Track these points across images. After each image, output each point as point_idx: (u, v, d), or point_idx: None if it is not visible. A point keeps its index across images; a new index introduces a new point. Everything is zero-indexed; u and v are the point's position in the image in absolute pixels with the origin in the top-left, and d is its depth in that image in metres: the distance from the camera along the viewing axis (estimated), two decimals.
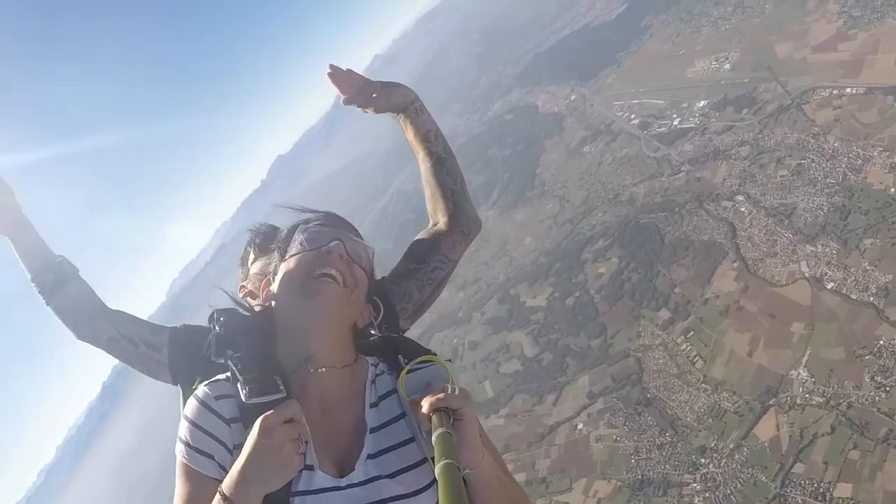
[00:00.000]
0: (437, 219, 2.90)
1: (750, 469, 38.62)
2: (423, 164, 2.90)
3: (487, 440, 2.12)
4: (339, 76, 2.79)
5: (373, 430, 2.05)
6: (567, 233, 72.75)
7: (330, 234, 2.22)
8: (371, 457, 2.00)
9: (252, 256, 3.10)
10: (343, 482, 1.93)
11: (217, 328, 2.23)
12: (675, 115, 70.19)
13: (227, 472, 1.84)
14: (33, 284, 2.75)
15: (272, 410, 1.79)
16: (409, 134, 2.92)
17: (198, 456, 1.92)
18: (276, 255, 2.31)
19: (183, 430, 1.95)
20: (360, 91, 2.80)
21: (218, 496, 1.79)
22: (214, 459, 1.92)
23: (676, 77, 74.79)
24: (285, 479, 1.80)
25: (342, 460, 1.99)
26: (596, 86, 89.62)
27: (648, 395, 48.31)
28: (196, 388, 2.06)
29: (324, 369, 2.06)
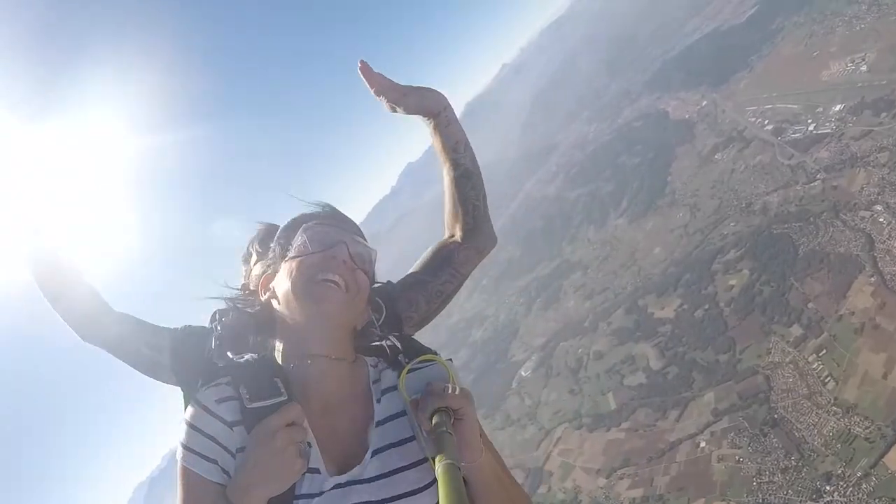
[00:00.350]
0: (454, 231, 2.83)
1: (877, 500, 36.58)
2: (448, 175, 2.83)
3: (486, 439, 2.09)
4: (370, 71, 2.73)
5: (378, 424, 2.05)
6: (697, 243, 71.13)
7: (334, 235, 2.18)
8: (375, 453, 1.99)
9: (255, 257, 3.04)
10: (344, 479, 1.93)
11: (219, 328, 2.25)
12: (809, 120, 67.29)
13: (230, 476, 1.87)
14: (40, 289, 2.71)
15: (274, 414, 1.83)
16: (438, 142, 2.82)
17: (201, 460, 1.90)
18: (276, 249, 2.27)
19: (184, 434, 1.94)
20: (391, 87, 2.72)
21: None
22: (217, 464, 1.90)
23: (811, 80, 71.58)
24: (289, 482, 1.82)
25: (344, 460, 1.98)
26: (727, 91, 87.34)
27: (775, 416, 46.52)
28: (197, 392, 2.07)
29: (324, 371, 2.06)
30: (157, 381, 2.65)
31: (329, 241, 2.15)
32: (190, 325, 2.63)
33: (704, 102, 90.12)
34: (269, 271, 2.25)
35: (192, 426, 1.93)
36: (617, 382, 63.29)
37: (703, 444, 49.60)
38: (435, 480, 1.82)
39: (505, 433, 65.26)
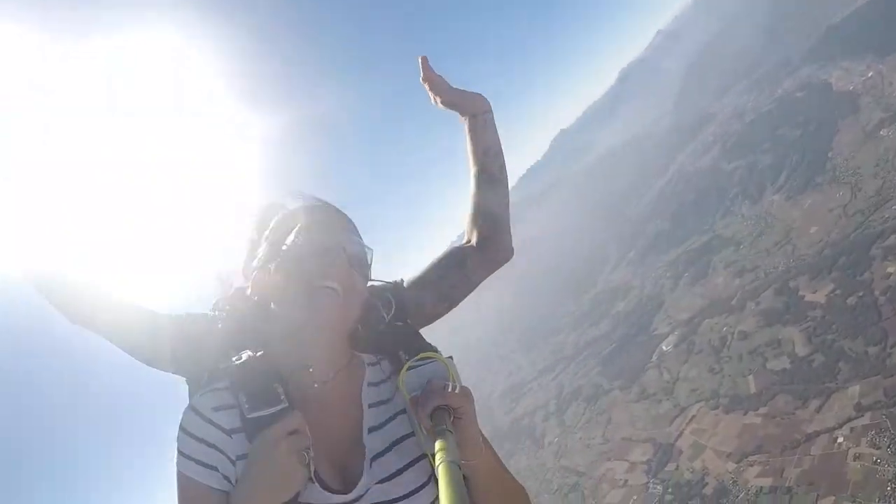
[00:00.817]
0: (471, 237, 2.78)
1: None
2: (475, 179, 2.80)
3: (484, 438, 2.03)
4: (426, 64, 2.79)
5: (371, 431, 2.02)
6: (857, 225, 67.60)
7: (330, 237, 2.09)
8: (375, 458, 1.96)
9: (250, 245, 2.69)
10: (351, 496, 1.89)
11: (220, 325, 2.19)
12: None
13: (230, 483, 1.85)
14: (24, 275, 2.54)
15: (276, 424, 1.80)
16: (470, 144, 2.80)
17: (199, 467, 1.86)
18: (267, 247, 2.14)
19: (181, 440, 1.89)
20: (440, 80, 2.78)
21: None
22: (218, 471, 1.86)
23: None
24: (293, 491, 1.78)
25: (344, 465, 1.96)
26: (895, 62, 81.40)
27: None
28: (193, 398, 2.02)
29: (321, 375, 2.04)
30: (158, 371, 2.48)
31: (326, 243, 2.07)
32: (192, 313, 2.49)
33: (870, 73, 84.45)
34: (260, 269, 2.12)
35: (188, 433, 1.89)
36: (759, 365, 61.78)
37: (840, 440, 48.17)
38: (432, 478, 1.94)
39: (639, 406, 64.68)
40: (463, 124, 2.87)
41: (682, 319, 74.23)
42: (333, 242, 2.10)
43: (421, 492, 1.96)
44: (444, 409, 1.82)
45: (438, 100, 2.85)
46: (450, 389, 1.89)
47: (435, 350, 2.15)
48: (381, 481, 1.94)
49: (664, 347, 74.47)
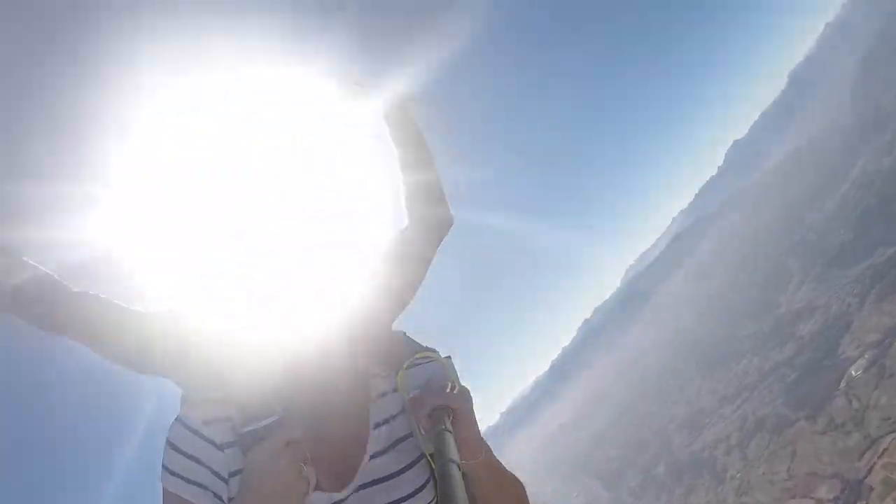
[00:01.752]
0: (409, 217, 2.68)
1: None
2: (397, 163, 2.73)
3: (482, 438, 1.98)
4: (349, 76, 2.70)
5: (376, 427, 1.97)
6: None
7: None
8: (374, 457, 1.92)
9: None
10: (344, 494, 1.86)
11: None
12: None
13: (222, 502, 1.77)
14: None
15: (272, 437, 1.75)
16: (391, 134, 2.73)
17: (188, 485, 1.76)
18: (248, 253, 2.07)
19: (167, 456, 1.78)
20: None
21: None
22: (209, 489, 1.76)
23: None
24: None
25: (341, 464, 1.92)
26: None
27: None
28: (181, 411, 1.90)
29: (317, 378, 1.96)
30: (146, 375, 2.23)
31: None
32: (175, 309, 2.30)
33: None
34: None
35: (176, 448, 1.79)
36: None
37: None
38: (430, 479, 1.93)
39: (826, 438, 59.76)
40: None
41: (871, 341, 68.27)
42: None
43: (421, 492, 1.94)
44: (443, 409, 1.80)
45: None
46: (448, 390, 1.87)
47: (433, 350, 2.13)
48: (380, 481, 1.91)
49: (853, 372, 68.85)
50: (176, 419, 1.85)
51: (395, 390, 2.06)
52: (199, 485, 1.77)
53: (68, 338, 2.22)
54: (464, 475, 1.63)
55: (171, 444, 1.80)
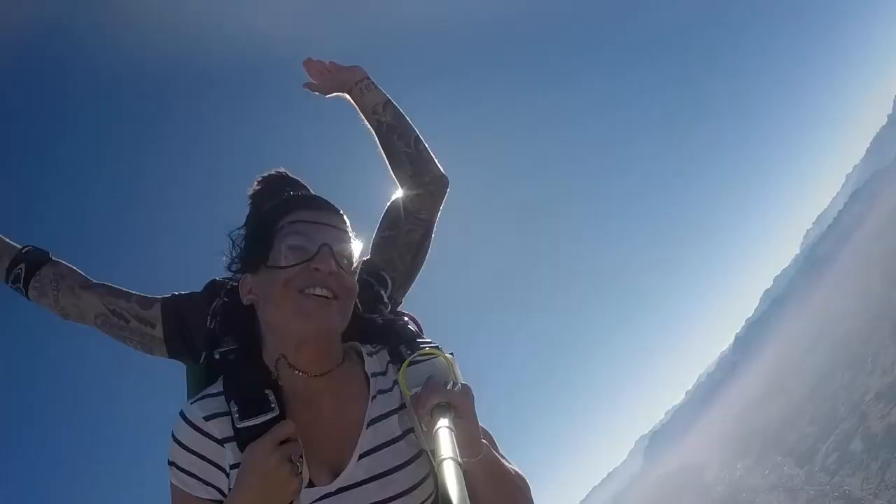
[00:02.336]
0: (400, 185, 2.73)
1: None
2: (376, 137, 2.78)
3: (486, 434, 2.01)
4: (312, 64, 2.88)
5: (370, 424, 1.96)
6: None
7: (316, 236, 1.97)
8: (364, 455, 1.91)
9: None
10: (333, 487, 1.86)
11: (216, 318, 2.14)
12: None
13: (224, 495, 1.83)
14: (9, 285, 2.59)
15: (265, 435, 1.77)
16: (360, 113, 2.82)
17: (190, 479, 1.84)
18: (252, 248, 2.06)
19: (174, 452, 1.86)
20: (323, 78, 2.87)
21: None
22: (211, 484, 1.84)
23: None
24: (285, 501, 1.77)
25: (335, 461, 1.92)
26: None
27: None
28: (184, 405, 1.95)
29: (313, 376, 1.97)
30: (153, 357, 2.48)
31: (311, 244, 1.95)
32: (179, 294, 2.47)
33: None
34: (248, 270, 2.04)
35: (179, 443, 1.86)
36: None
37: None
38: (428, 475, 1.93)
39: None
40: (349, 102, 2.89)
41: None
42: (317, 243, 1.96)
43: (417, 489, 1.93)
44: (444, 406, 1.76)
45: (318, 93, 2.94)
46: (450, 387, 1.85)
47: (437, 346, 2.09)
48: (377, 477, 1.90)
49: None
50: (179, 413, 1.92)
51: (395, 385, 2.06)
52: (201, 479, 1.85)
53: (80, 323, 2.54)
54: (466, 476, 1.55)
55: (174, 438, 1.88)
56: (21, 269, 2.57)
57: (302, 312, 1.88)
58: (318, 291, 1.90)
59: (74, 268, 2.62)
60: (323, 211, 2.07)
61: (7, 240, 2.68)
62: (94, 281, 2.59)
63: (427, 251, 2.74)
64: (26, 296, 2.58)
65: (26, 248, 2.64)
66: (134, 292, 2.53)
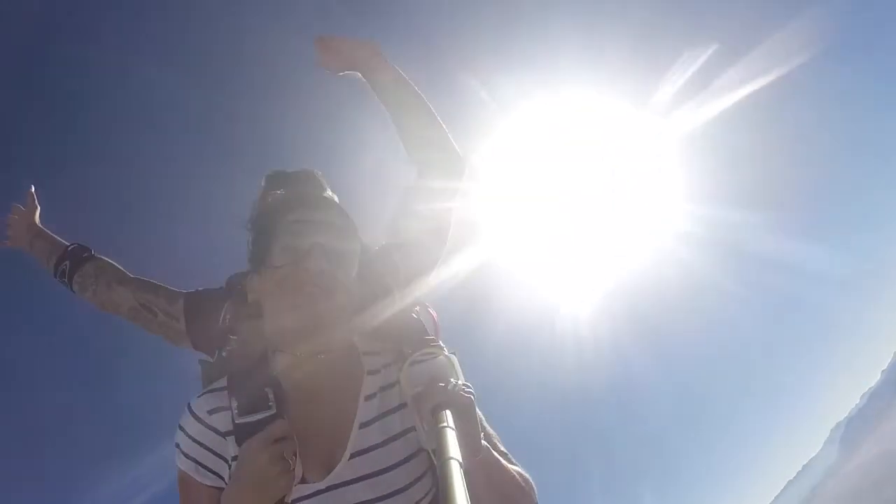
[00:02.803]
0: (415, 164, 2.61)
1: None
2: (390, 117, 2.64)
3: (488, 433, 2.02)
4: (323, 41, 2.70)
5: (363, 426, 1.98)
6: None
7: (307, 236, 1.98)
8: (356, 454, 1.93)
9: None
10: (324, 484, 1.89)
11: (226, 316, 2.18)
12: None
13: (226, 483, 1.90)
14: (56, 279, 2.75)
15: (260, 433, 1.79)
16: (374, 91, 2.66)
17: (195, 466, 1.93)
18: (250, 249, 2.13)
19: (181, 440, 1.96)
20: (332, 55, 2.70)
21: None
22: (214, 472, 1.93)
23: None
24: (276, 498, 1.78)
25: (329, 459, 1.94)
26: None
27: None
28: (192, 399, 2.03)
29: (313, 373, 1.99)
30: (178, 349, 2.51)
31: (302, 243, 1.96)
32: (204, 290, 2.49)
33: None
34: (254, 270, 2.09)
35: (186, 433, 1.96)
36: None
37: None
38: (425, 473, 1.96)
39: None
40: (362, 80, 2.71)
41: None
42: (308, 244, 1.96)
43: (412, 488, 1.94)
44: (445, 406, 1.74)
45: (328, 72, 2.73)
46: (452, 387, 1.85)
47: (439, 345, 2.08)
48: (366, 477, 1.92)
49: None
50: (187, 405, 2.00)
51: (396, 384, 2.06)
52: (205, 467, 1.94)
53: (115, 314, 2.62)
54: (466, 475, 1.57)
55: (181, 429, 1.98)
56: (66, 265, 2.73)
57: (293, 309, 1.92)
58: (308, 289, 1.91)
59: (114, 263, 2.74)
60: (317, 208, 2.07)
61: (57, 238, 2.90)
62: (131, 275, 2.69)
63: (448, 233, 2.55)
64: (71, 289, 2.72)
65: (72, 246, 2.80)
66: (163, 286, 2.61)
